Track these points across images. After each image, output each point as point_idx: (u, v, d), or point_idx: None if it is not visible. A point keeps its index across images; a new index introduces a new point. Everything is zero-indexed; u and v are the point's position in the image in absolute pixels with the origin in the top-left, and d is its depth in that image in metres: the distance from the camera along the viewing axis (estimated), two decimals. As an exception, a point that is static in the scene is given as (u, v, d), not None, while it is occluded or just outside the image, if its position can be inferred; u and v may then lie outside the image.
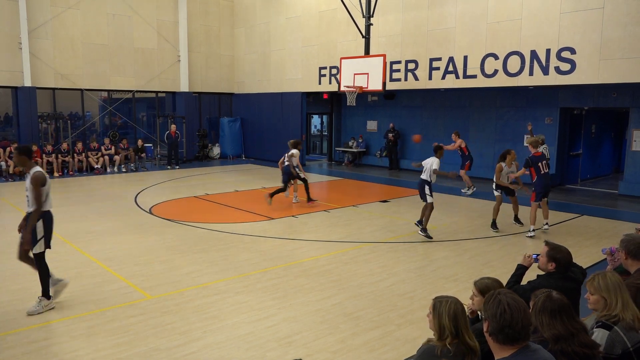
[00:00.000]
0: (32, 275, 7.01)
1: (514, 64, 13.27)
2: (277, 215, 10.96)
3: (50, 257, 7.76)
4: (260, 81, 21.53)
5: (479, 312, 3.51)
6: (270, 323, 5.54)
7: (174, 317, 5.66)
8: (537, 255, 4.23)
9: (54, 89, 18.48)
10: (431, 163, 8.97)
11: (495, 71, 13.66)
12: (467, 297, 3.78)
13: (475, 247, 8.62)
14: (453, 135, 13.90)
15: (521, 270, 4.32)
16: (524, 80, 13.17)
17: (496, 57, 13.61)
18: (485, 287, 3.45)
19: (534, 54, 12.85)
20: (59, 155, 17.06)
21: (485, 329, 2.58)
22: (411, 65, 15.63)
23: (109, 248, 8.37)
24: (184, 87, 20.94)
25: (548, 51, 12.58)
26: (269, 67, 21.02)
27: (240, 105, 22.80)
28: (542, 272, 4.14)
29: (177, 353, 4.86)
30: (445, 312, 2.84)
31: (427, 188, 9.00)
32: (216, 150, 22.29)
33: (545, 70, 12.70)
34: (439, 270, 7.39)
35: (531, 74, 12.97)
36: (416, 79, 15.52)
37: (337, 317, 5.76)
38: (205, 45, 21.71)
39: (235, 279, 6.93)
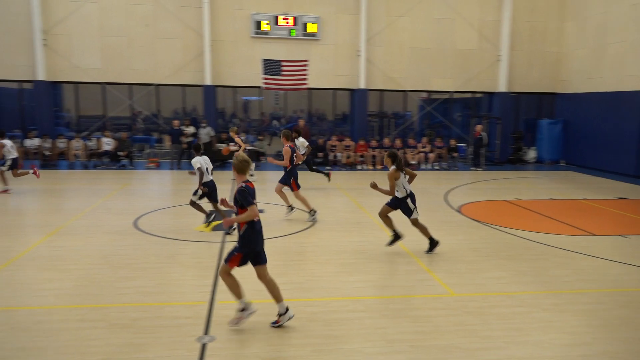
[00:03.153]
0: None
1: None
2: (599, 232, 9.62)
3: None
4: (591, 79, 19.13)
5: None
6: (581, 352, 4.90)
7: (475, 319, 5.59)
8: None
9: (381, 91, 20.65)
10: None
11: None
12: None
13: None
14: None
15: None
16: None
17: None
18: None
19: None
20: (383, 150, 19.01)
21: None
22: None
23: (417, 239, 8.61)
24: (502, 87, 20.38)
25: None
26: (603, 63, 18.47)
27: (564, 106, 20.77)
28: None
29: (477, 356, 4.78)
30: None
31: None
32: (531, 154, 20.92)
33: None
34: None
35: None
36: None
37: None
38: (528, 43, 20.56)
39: (543, 294, 6.39)
